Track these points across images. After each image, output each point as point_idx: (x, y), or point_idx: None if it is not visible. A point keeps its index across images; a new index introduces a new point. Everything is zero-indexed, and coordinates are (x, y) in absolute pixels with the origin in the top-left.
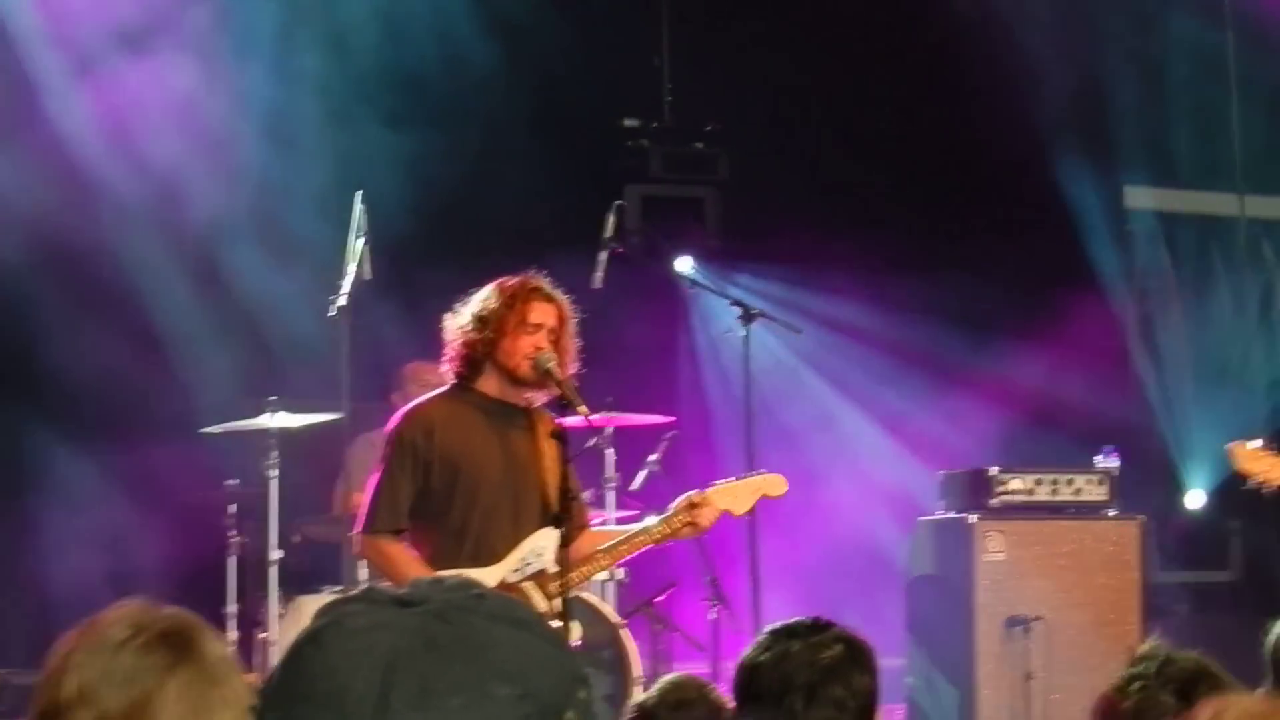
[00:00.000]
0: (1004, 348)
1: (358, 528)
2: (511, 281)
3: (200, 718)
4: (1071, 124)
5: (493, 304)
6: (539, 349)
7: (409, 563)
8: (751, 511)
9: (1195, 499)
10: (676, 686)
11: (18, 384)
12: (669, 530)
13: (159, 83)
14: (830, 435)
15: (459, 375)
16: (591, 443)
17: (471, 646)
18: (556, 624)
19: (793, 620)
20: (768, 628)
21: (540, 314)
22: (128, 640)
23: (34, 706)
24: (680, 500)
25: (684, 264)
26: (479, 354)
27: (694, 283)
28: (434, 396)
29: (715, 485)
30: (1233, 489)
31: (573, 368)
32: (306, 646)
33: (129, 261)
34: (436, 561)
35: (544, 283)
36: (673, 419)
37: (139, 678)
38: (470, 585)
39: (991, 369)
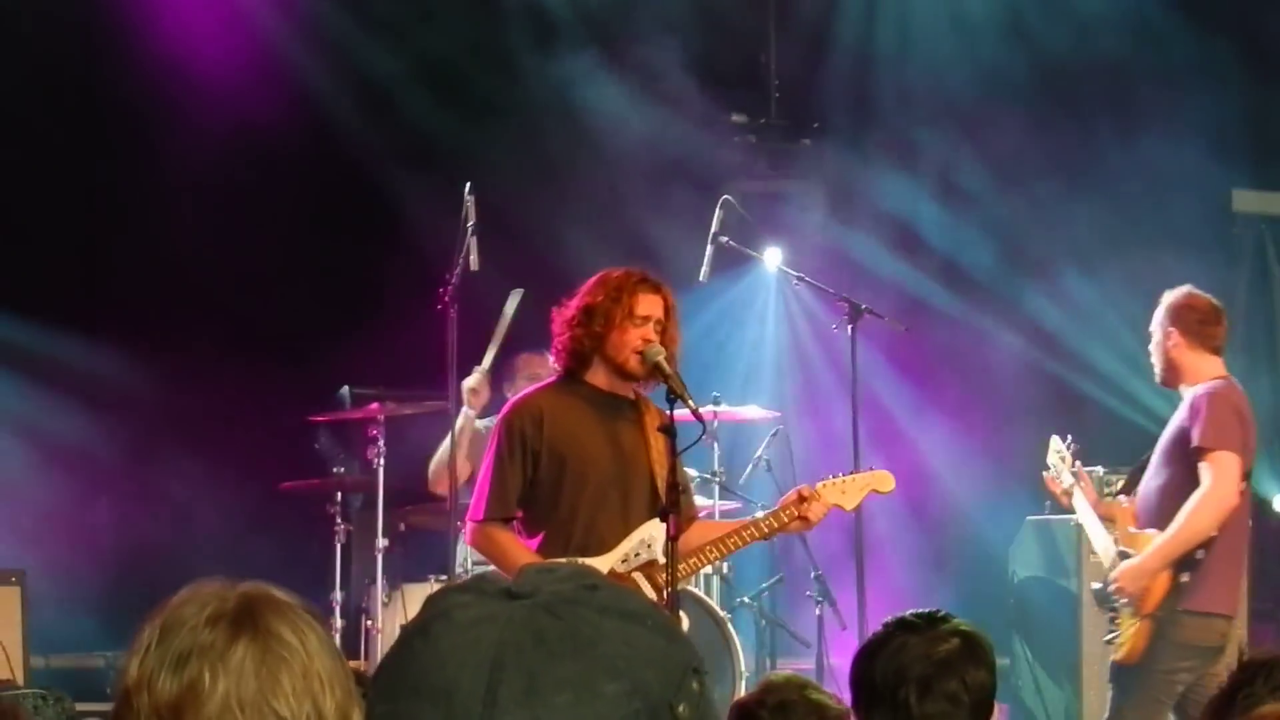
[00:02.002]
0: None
1: (468, 516)
2: (617, 273)
3: (256, 700)
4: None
5: (599, 297)
6: (647, 341)
7: (519, 551)
8: (860, 507)
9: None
10: (777, 687)
11: (137, 373)
12: (778, 524)
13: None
14: (938, 434)
15: (567, 369)
16: (699, 437)
17: (580, 642)
18: (668, 614)
19: (911, 612)
20: (887, 619)
21: (647, 305)
22: (192, 620)
23: (115, 693)
24: (790, 494)
25: (773, 258)
26: (587, 348)
27: (799, 278)
28: (543, 387)
29: (825, 480)
30: None
31: (679, 359)
32: (415, 639)
33: (238, 247)
34: (545, 550)
35: (649, 273)
36: (778, 414)
37: (195, 658)
38: (582, 575)
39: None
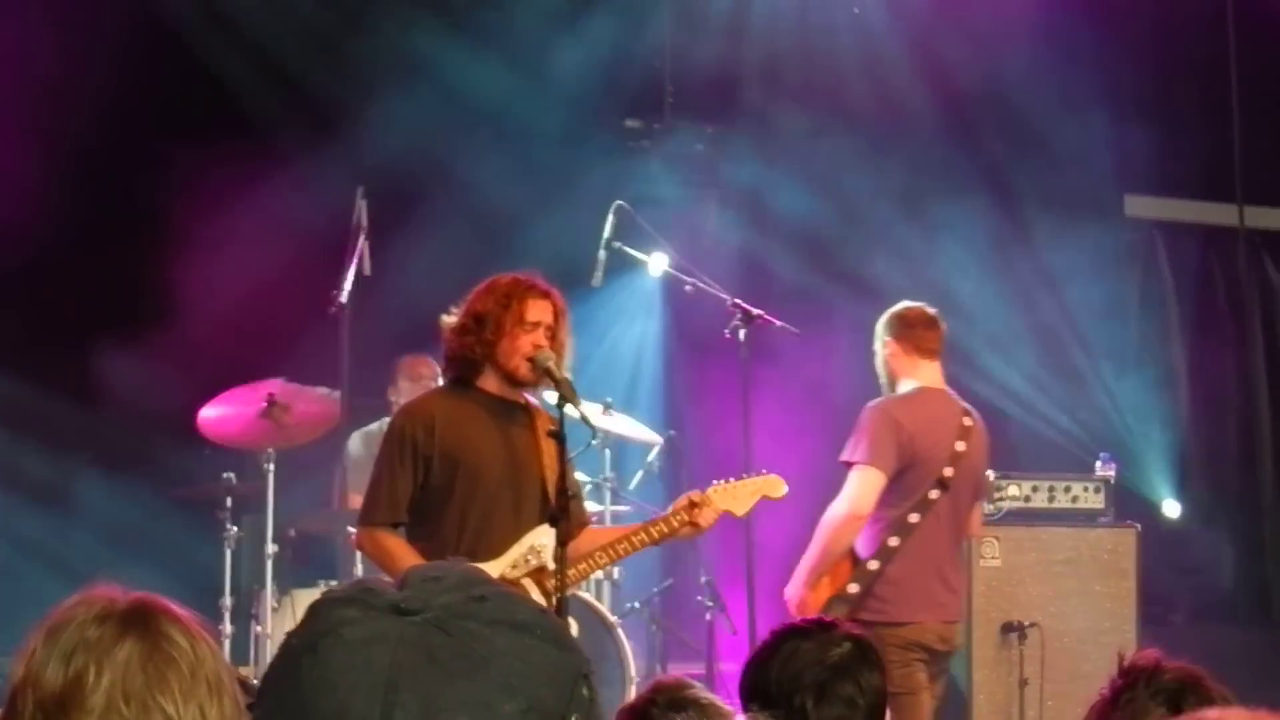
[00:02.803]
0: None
1: (358, 520)
2: (506, 279)
3: (141, 695)
4: (1069, 132)
5: (489, 304)
6: (538, 347)
7: (406, 557)
8: (751, 513)
9: (1171, 509)
10: (668, 687)
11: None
12: (668, 530)
13: None
14: (829, 439)
15: (459, 376)
16: (589, 442)
17: (474, 660)
18: (557, 619)
19: (801, 620)
20: (776, 627)
21: (537, 311)
22: (80, 618)
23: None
24: (680, 500)
25: (658, 264)
26: (478, 355)
27: (692, 283)
28: (435, 392)
29: (715, 485)
30: (1221, 499)
31: (570, 363)
32: (304, 656)
33: (134, 251)
34: (435, 556)
35: (538, 279)
36: (668, 420)
37: (80, 653)
38: (470, 584)
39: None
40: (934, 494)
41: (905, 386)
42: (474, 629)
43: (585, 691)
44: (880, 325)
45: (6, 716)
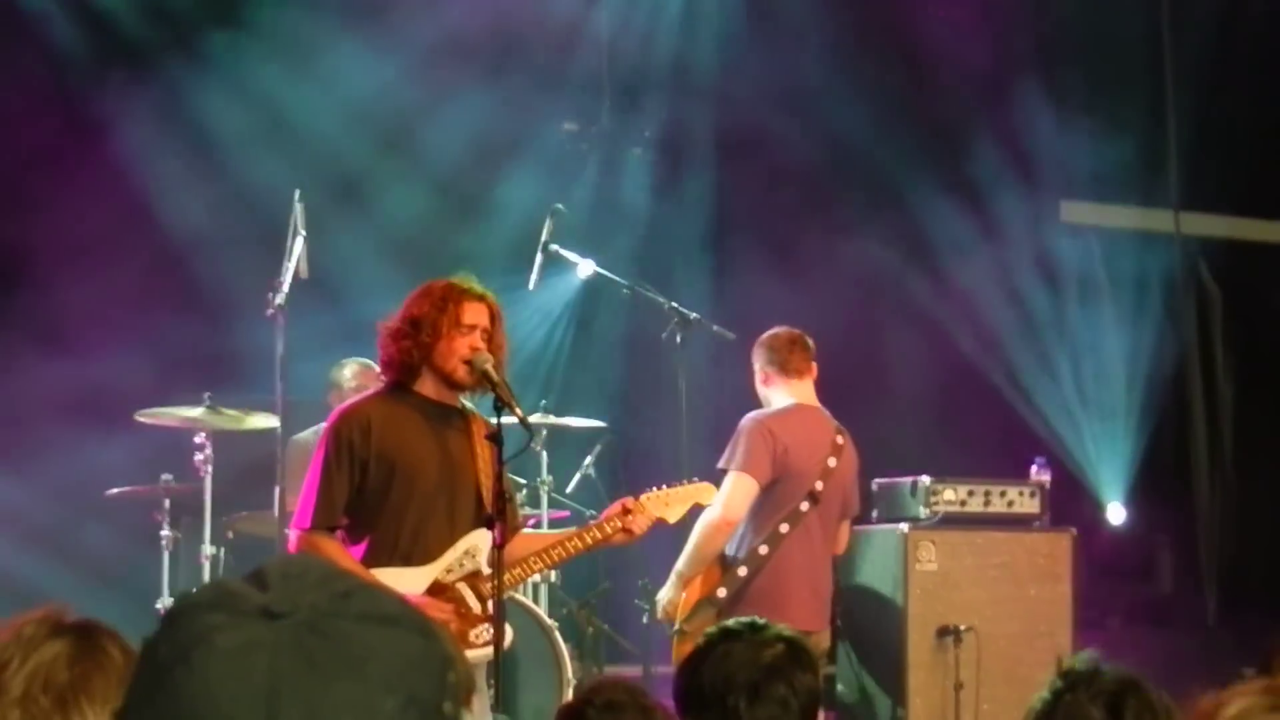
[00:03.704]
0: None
1: (293, 524)
2: (441, 284)
3: (63, 690)
4: (1004, 136)
5: (425, 308)
6: (475, 349)
7: (344, 561)
8: (684, 518)
9: (1116, 513)
10: (606, 688)
11: None
12: (602, 536)
13: None
14: None
15: (396, 380)
16: (526, 445)
17: (351, 660)
18: (488, 627)
19: (732, 621)
20: (708, 629)
21: (473, 314)
22: (23, 623)
23: None
24: (614, 506)
25: (585, 269)
26: (415, 359)
27: (629, 286)
28: (371, 395)
29: (649, 493)
30: (1161, 503)
31: (507, 366)
32: (177, 668)
33: (74, 246)
34: (371, 559)
35: (473, 282)
36: (605, 424)
37: (11, 646)
38: (331, 579)
39: (920, 376)
40: (804, 506)
41: (780, 402)
42: (345, 627)
43: (453, 678)
44: (753, 352)
45: None
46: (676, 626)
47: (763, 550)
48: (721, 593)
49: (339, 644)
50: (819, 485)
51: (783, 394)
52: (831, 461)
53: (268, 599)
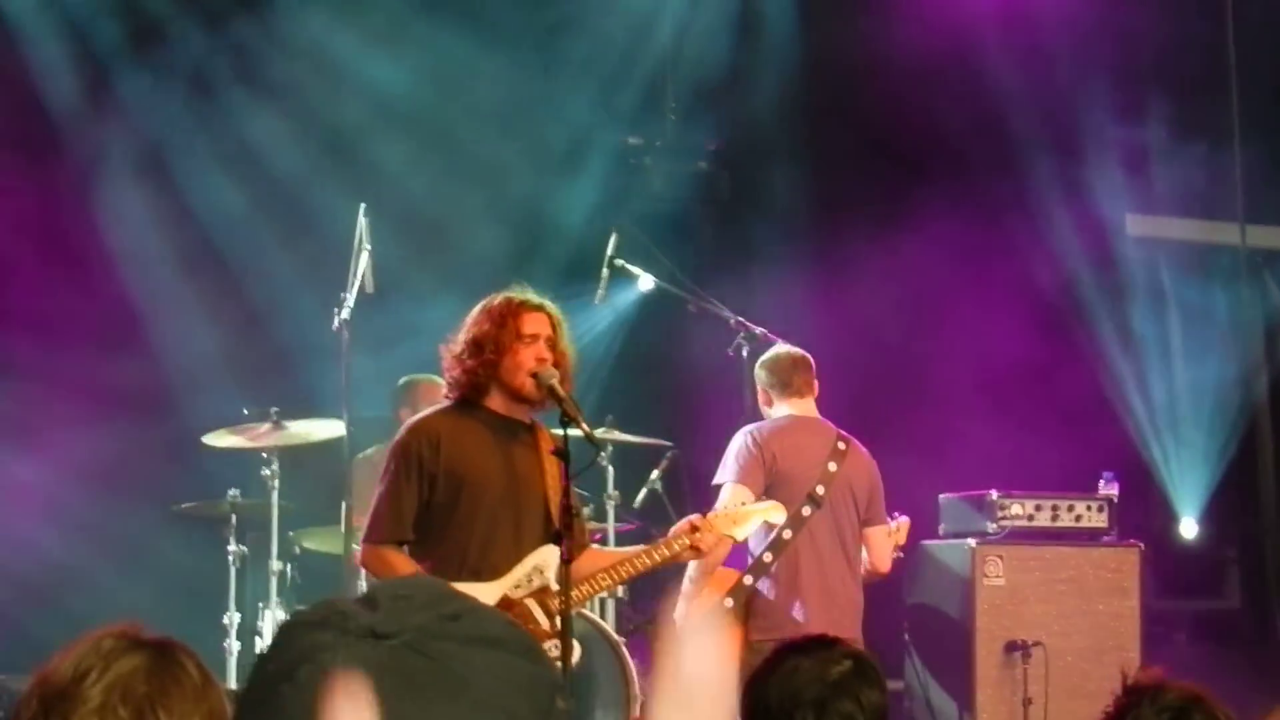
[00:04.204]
0: (1003, 370)
1: (362, 538)
2: (498, 299)
3: (140, 702)
4: (1073, 150)
5: (485, 325)
6: (541, 361)
7: (412, 575)
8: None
9: (1189, 528)
10: None
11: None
12: (670, 553)
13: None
14: None
15: (464, 397)
16: (593, 461)
17: (452, 682)
18: (556, 643)
19: (801, 637)
20: (776, 645)
21: (533, 324)
22: (102, 636)
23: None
24: (682, 523)
25: (649, 283)
26: (481, 377)
27: (696, 301)
28: (440, 410)
29: (717, 510)
30: (1230, 518)
31: (572, 377)
32: (283, 685)
33: (134, 269)
34: (439, 574)
35: (529, 293)
36: (670, 440)
37: (90, 657)
38: (441, 601)
39: (990, 390)
40: (806, 510)
41: (777, 414)
42: (450, 649)
43: (560, 704)
44: (756, 368)
45: (17, 708)
46: None
47: (767, 558)
48: (729, 602)
49: (442, 665)
50: (819, 489)
51: (783, 411)
52: (832, 465)
53: (375, 619)
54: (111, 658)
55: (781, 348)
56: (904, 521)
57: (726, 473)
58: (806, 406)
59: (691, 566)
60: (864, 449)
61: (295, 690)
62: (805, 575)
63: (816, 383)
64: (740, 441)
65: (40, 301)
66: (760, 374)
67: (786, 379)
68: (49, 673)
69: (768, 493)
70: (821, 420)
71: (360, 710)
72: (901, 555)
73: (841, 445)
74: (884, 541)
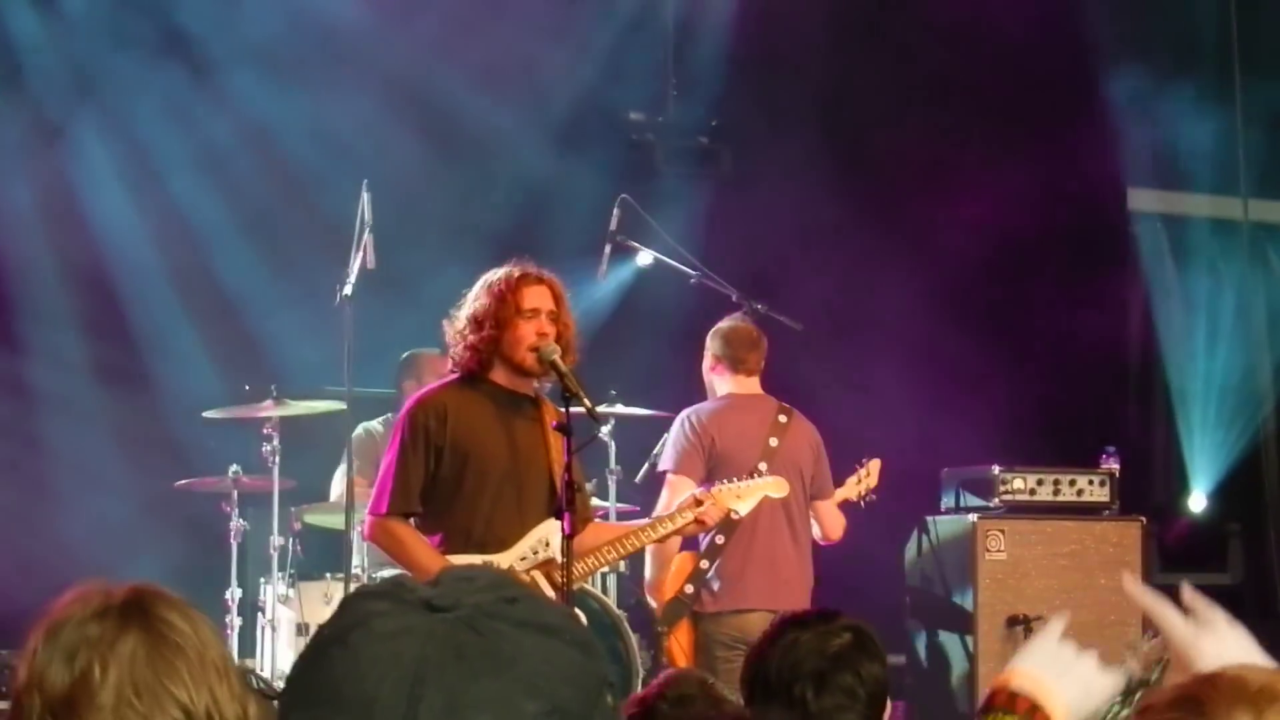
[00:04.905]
0: (1011, 346)
1: (370, 510)
2: (498, 274)
3: (152, 686)
4: (1075, 125)
5: (485, 301)
6: (542, 335)
7: (420, 547)
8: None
9: (1197, 501)
10: (676, 681)
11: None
12: (674, 527)
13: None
14: (831, 431)
15: (469, 371)
16: (596, 435)
17: (500, 659)
18: (586, 625)
19: (801, 610)
20: (776, 618)
21: (534, 298)
22: (78, 616)
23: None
24: (685, 498)
25: (645, 259)
26: (484, 352)
27: (697, 277)
28: (446, 383)
29: (720, 485)
30: (1234, 492)
31: (576, 350)
32: (333, 647)
33: (132, 246)
34: (445, 547)
35: (530, 267)
36: (673, 414)
37: (83, 651)
38: (501, 586)
39: (996, 366)
40: None
41: (720, 392)
42: (502, 629)
43: (610, 699)
44: (708, 338)
45: (14, 718)
46: (659, 628)
47: (719, 540)
48: (689, 589)
49: (491, 642)
50: (762, 466)
51: (726, 385)
52: (773, 441)
53: (433, 593)
54: (106, 645)
55: (741, 321)
56: (873, 464)
57: (668, 461)
58: (750, 385)
59: (649, 556)
60: (807, 421)
61: (344, 652)
62: (755, 552)
63: (763, 363)
64: (678, 428)
65: (38, 278)
66: (714, 342)
67: (742, 355)
68: (40, 674)
69: (711, 474)
70: (763, 396)
71: (402, 675)
72: (874, 499)
73: (783, 418)
74: (833, 513)
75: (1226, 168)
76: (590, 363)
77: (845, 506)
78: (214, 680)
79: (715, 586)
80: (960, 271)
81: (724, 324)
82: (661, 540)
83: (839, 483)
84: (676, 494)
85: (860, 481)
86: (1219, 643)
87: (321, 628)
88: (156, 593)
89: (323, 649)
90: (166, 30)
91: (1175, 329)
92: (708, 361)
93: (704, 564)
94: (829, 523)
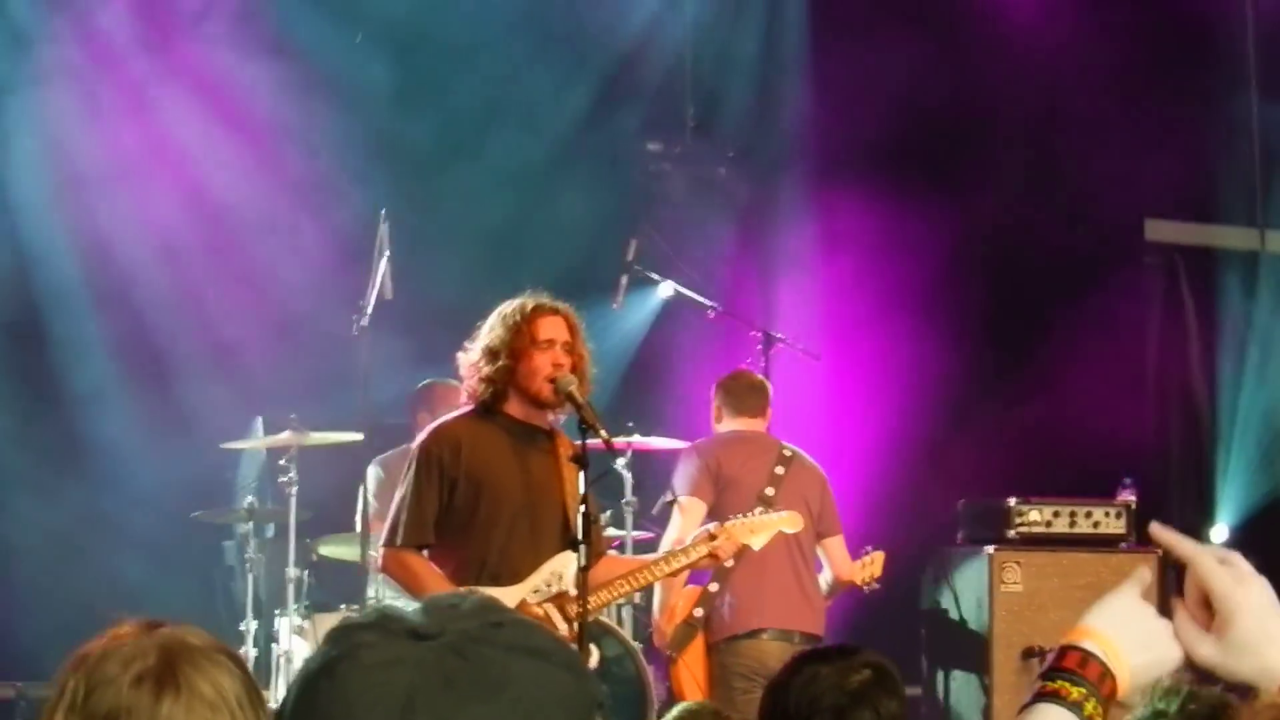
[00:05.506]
0: (1031, 376)
1: (383, 542)
2: (512, 305)
3: None
4: (1087, 152)
5: (500, 333)
6: (558, 366)
7: (433, 578)
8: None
9: (1219, 533)
10: (691, 714)
11: (34, 397)
12: (689, 560)
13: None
14: (849, 463)
15: (483, 404)
16: (612, 466)
17: (489, 685)
18: (573, 647)
19: (821, 645)
20: (796, 652)
21: (549, 329)
22: (116, 679)
23: None
24: (699, 532)
25: (668, 289)
26: (499, 384)
27: (714, 308)
28: (461, 415)
29: (734, 519)
30: (1255, 523)
31: (590, 380)
32: (321, 680)
33: (153, 275)
34: (459, 579)
35: (544, 298)
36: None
37: (128, 711)
38: (487, 610)
39: (1015, 397)
40: (760, 513)
41: (723, 430)
42: (490, 654)
43: None
44: (715, 386)
45: None
46: (668, 653)
47: (729, 564)
48: (698, 613)
49: (480, 668)
50: (769, 491)
51: (729, 427)
52: (779, 469)
53: (419, 622)
54: (146, 710)
55: (742, 372)
56: (877, 555)
57: (676, 489)
58: (753, 425)
59: (657, 586)
60: (811, 460)
61: (332, 684)
62: (763, 576)
63: (770, 410)
64: (684, 456)
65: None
66: (716, 394)
67: (739, 401)
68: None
69: (719, 499)
70: (767, 434)
71: (392, 705)
72: (879, 586)
73: (787, 453)
74: (842, 551)
75: (1242, 197)
76: (606, 395)
77: (846, 589)
78: None
79: (726, 610)
80: (977, 299)
81: (726, 375)
82: (675, 574)
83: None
84: (688, 517)
85: (864, 568)
86: (1258, 594)
87: (309, 661)
88: (187, 652)
89: (311, 682)
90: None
91: (1225, 362)
92: (713, 413)
93: (713, 587)
94: (839, 560)
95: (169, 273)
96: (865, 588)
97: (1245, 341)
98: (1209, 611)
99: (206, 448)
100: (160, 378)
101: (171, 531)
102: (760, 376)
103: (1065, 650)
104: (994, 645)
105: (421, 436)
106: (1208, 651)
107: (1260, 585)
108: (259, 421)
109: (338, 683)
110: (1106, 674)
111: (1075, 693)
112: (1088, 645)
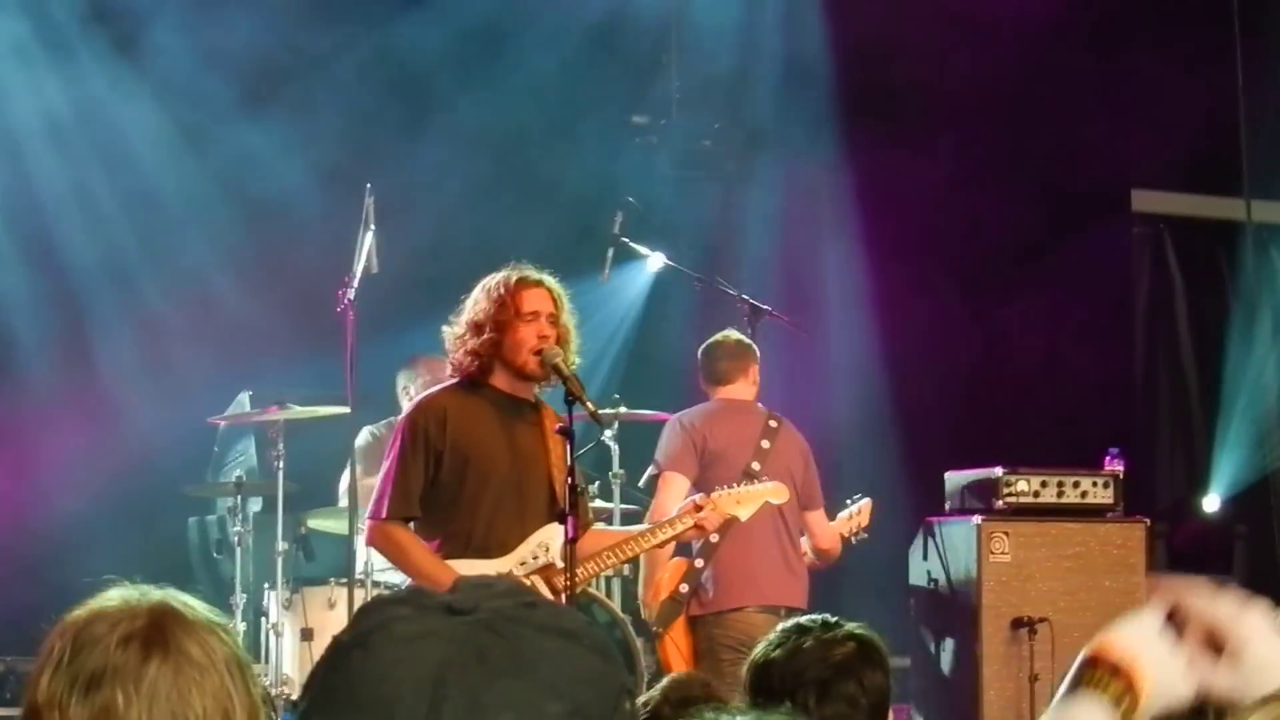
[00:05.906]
0: (1019, 348)
1: (369, 514)
2: (496, 278)
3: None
4: (1071, 123)
5: (484, 306)
6: (543, 338)
7: (420, 551)
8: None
9: (1211, 503)
10: (680, 684)
11: (16, 369)
12: (675, 532)
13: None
14: (836, 432)
15: (469, 376)
16: (598, 439)
17: (522, 661)
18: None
19: (805, 618)
20: (780, 625)
21: (533, 301)
22: (104, 639)
23: (23, 703)
24: (685, 503)
25: (655, 261)
26: (485, 356)
27: (699, 279)
28: (447, 388)
29: (721, 490)
30: (1245, 494)
31: (575, 351)
32: (355, 651)
33: (137, 250)
34: (445, 552)
35: (528, 270)
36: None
37: (108, 681)
38: (520, 592)
39: (1003, 369)
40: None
41: (711, 400)
42: (523, 632)
43: (628, 706)
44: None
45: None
46: (654, 629)
47: (713, 538)
48: (684, 588)
49: (513, 644)
50: (755, 465)
51: (712, 392)
52: (765, 443)
53: (453, 598)
54: (129, 677)
55: (720, 340)
56: (864, 503)
57: (661, 463)
58: (737, 391)
59: (642, 556)
60: (796, 430)
61: (365, 655)
62: (749, 550)
63: (754, 368)
64: (669, 428)
65: (50, 287)
66: (700, 361)
67: (722, 367)
68: (63, 699)
69: (704, 473)
70: (753, 403)
71: (424, 677)
72: (867, 536)
73: (773, 424)
74: (824, 523)
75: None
76: (594, 367)
77: (827, 563)
78: (228, 708)
79: (711, 585)
80: (970, 269)
81: (705, 344)
82: (660, 546)
83: (829, 515)
84: (670, 491)
85: (851, 519)
86: (1261, 618)
87: (341, 633)
88: (177, 617)
89: (343, 652)
90: None
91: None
92: (702, 385)
93: (699, 563)
94: (821, 532)
95: (152, 242)
96: (853, 538)
97: (1232, 311)
98: (1214, 650)
99: (194, 421)
100: (144, 348)
101: (160, 504)
102: (742, 338)
103: (1098, 656)
104: (983, 615)
105: (407, 409)
106: (1226, 681)
107: (1260, 609)
108: (245, 395)
109: (371, 653)
110: (1131, 688)
111: (1114, 688)
112: (1118, 656)
